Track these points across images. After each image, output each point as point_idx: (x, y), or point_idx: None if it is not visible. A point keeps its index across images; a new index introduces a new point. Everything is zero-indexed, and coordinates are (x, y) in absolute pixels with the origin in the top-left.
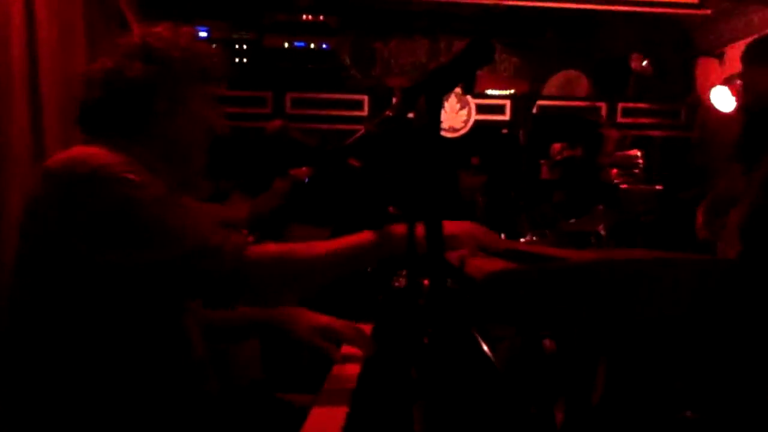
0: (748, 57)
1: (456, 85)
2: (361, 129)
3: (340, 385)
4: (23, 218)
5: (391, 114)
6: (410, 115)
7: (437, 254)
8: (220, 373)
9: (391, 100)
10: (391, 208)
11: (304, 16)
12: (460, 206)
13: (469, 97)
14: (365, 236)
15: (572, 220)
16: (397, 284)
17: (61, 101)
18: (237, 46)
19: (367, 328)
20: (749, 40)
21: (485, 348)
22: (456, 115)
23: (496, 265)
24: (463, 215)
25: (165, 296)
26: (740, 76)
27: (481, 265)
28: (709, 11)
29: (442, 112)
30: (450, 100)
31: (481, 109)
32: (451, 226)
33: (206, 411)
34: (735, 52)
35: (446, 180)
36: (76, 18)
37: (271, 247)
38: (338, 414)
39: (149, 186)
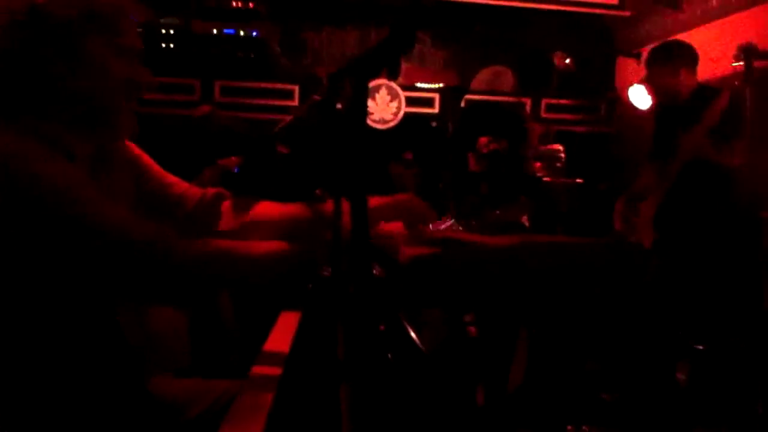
0: (651, 59)
1: (381, 70)
2: (289, 117)
3: (266, 372)
4: None
5: (318, 99)
6: (337, 102)
7: (362, 232)
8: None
9: (319, 91)
10: (318, 191)
11: (233, 3)
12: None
13: (399, 90)
14: (281, 244)
15: (497, 211)
16: (326, 273)
17: None
18: (164, 31)
19: (294, 316)
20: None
21: (411, 332)
22: (387, 107)
23: (420, 250)
24: None
25: (93, 289)
26: (646, 78)
27: (406, 250)
28: (628, 13)
29: (373, 103)
30: (381, 92)
31: (410, 101)
32: (386, 198)
33: (135, 400)
34: None
35: (377, 170)
36: None
37: (207, 243)
38: (265, 399)
39: (65, 175)
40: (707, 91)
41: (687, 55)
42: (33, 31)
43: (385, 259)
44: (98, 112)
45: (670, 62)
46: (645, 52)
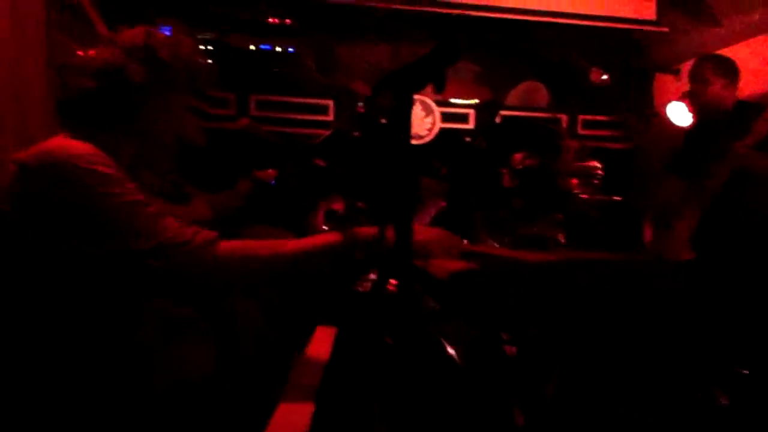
0: (692, 73)
1: (426, 84)
2: (328, 130)
3: (304, 382)
4: None
5: (361, 111)
6: (380, 116)
7: (406, 255)
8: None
9: (356, 105)
10: (360, 203)
11: (270, 19)
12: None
13: (434, 105)
14: (332, 236)
15: (534, 228)
16: (361, 289)
17: (11, 91)
18: (201, 47)
19: (329, 331)
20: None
21: (448, 348)
22: (421, 122)
23: (458, 265)
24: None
25: (128, 289)
26: (687, 93)
27: (444, 266)
28: (666, 29)
29: None
30: (415, 107)
31: (445, 117)
32: (420, 234)
33: (156, 406)
34: None
35: (413, 185)
36: (34, 10)
37: (239, 243)
38: (305, 410)
39: (119, 180)
40: (748, 107)
41: (729, 70)
42: (145, 67)
43: (423, 275)
44: (156, 151)
45: (712, 76)
46: (684, 69)
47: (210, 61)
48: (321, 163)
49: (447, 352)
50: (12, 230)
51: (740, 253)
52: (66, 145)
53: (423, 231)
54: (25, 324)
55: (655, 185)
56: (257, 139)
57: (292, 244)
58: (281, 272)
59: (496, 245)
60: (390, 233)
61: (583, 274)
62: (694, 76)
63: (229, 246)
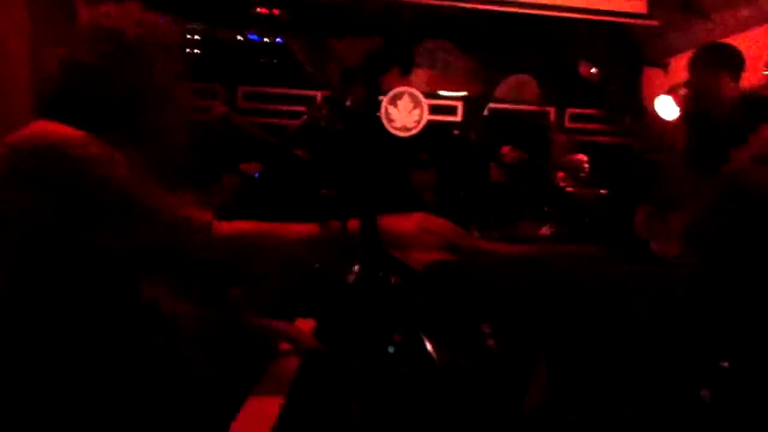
0: (694, 62)
1: (391, 66)
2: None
3: (279, 377)
4: None
5: (331, 97)
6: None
7: (375, 246)
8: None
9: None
10: (323, 191)
11: (258, 9)
12: (413, 203)
13: (421, 97)
14: (310, 227)
15: (519, 222)
16: (347, 280)
17: None
18: (189, 37)
19: (308, 324)
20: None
21: (427, 344)
22: (409, 115)
23: (433, 256)
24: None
25: (131, 270)
26: (686, 83)
27: (419, 257)
28: (656, 22)
29: (395, 111)
30: (403, 99)
31: (433, 109)
32: (402, 223)
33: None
34: (680, 63)
35: (398, 178)
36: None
37: (240, 224)
38: (274, 403)
39: (114, 162)
40: (751, 99)
41: (732, 60)
42: (134, 62)
43: (401, 267)
44: (167, 148)
45: (714, 66)
46: (674, 63)
47: (197, 51)
48: (302, 154)
49: (425, 348)
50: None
51: (733, 255)
52: (58, 128)
53: (403, 220)
54: (21, 324)
55: (649, 179)
56: (235, 130)
57: (297, 228)
58: (284, 255)
59: (478, 237)
60: (353, 224)
61: (554, 266)
62: (695, 64)
63: (229, 227)
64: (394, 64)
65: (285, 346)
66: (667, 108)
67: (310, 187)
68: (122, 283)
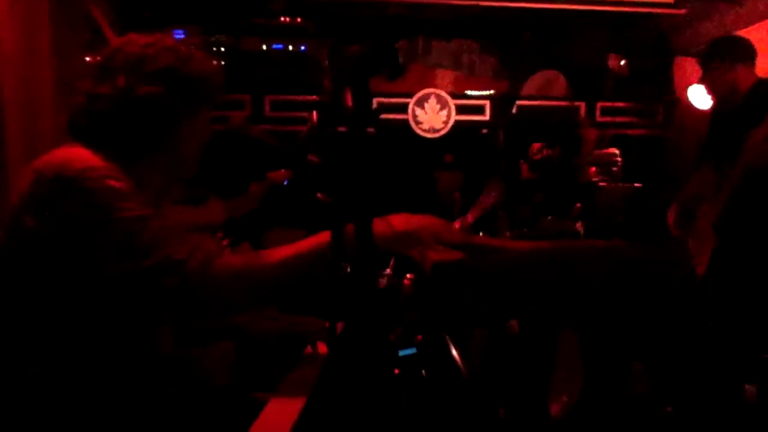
0: (705, 56)
1: (378, 69)
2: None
3: (301, 380)
4: (9, 218)
5: (326, 101)
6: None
7: (367, 245)
8: (188, 378)
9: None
10: (319, 195)
11: (282, 19)
12: (438, 206)
13: (448, 98)
14: (322, 237)
15: (550, 218)
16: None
17: (22, 104)
18: (214, 49)
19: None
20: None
21: (452, 348)
22: (436, 116)
23: (443, 255)
24: (441, 215)
25: (131, 303)
26: (702, 77)
27: (429, 256)
28: (683, 11)
29: (422, 112)
30: (430, 101)
31: (460, 109)
32: (407, 223)
33: (166, 411)
34: None
35: (423, 179)
36: (42, 22)
37: (233, 260)
38: (296, 404)
39: (130, 196)
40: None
41: (743, 51)
42: (167, 89)
43: (419, 267)
44: (182, 166)
45: (726, 58)
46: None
47: (222, 63)
48: (315, 159)
49: (449, 351)
50: (28, 242)
51: (758, 246)
52: (82, 156)
53: (411, 220)
54: (35, 334)
55: (684, 173)
56: (251, 140)
57: (280, 252)
58: (276, 283)
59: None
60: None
61: (568, 262)
62: (707, 58)
63: (222, 264)
64: (380, 67)
65: (308, 350)
66: (700, 97)
67: (310, 193)
68: (119, 309)
